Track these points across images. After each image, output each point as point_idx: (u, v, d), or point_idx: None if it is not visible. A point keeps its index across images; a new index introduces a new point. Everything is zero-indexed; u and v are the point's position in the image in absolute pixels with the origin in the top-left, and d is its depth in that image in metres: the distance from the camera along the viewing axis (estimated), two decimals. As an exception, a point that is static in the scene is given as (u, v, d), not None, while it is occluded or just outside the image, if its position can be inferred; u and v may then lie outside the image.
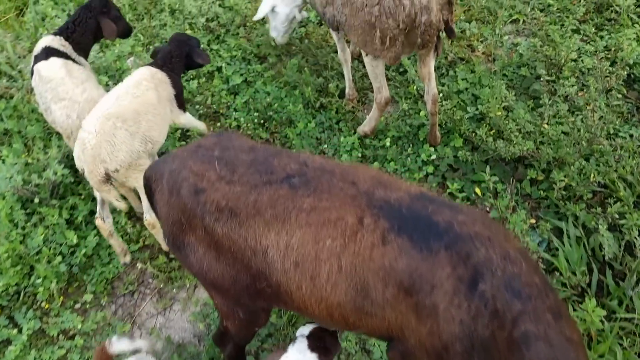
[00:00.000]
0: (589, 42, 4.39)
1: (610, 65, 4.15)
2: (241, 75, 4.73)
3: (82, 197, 3.84)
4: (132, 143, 3.17)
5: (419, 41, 3.16)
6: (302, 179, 1.77)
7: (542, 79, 3.89)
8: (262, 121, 4.27)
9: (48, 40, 3.84)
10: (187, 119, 3.81)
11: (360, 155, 3.95)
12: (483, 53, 4.57)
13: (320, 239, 1.67)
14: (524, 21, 4.77)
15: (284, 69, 4.66)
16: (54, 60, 3.64)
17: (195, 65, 3.86)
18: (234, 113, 4.41)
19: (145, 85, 3.42)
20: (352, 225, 1.64)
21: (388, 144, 3.90)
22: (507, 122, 3.60)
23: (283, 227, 1.75)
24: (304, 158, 1.88)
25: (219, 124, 4.37)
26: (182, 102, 3.74)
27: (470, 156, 3.67)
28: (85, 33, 3.95)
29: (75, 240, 3.58)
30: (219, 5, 5.53)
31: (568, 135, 3.49)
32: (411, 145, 3.99)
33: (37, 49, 3.81)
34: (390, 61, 3.32)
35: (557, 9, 4.78)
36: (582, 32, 4.56)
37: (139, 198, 3.48)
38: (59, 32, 3.92)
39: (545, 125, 3.62)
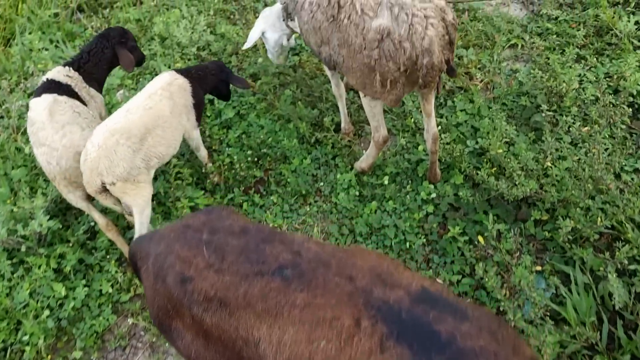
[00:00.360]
0: (590, 69, 4.27)
1: (613, 94, 4.04)
2: (233, 108, 4.60)
3: (71, 244, 3.71)
4: (132, 160, 3.21)
5: (420, 82, 3.04)
6: (295, 270, 1.64)
7: (543, 111, 3.77)
8: (255, 159, 4.14)
9: (54, 72, 3.74)
10: (198, 137, 3.82)
11: (357, 193, 3.82)
12: (481, 81, 4.45)
13: (315, 339, 1.54)
14: (522, 46, 4.65)
15: (277, 102, 4.54)
16: (43, 99, 3.50)
17: (224, 92, 4.02)
18: (227, 149, 4.28)
19: (160, 94, 3.45)
20: (349, 327, 1.51)
21: (386, 182, 3.78)
22: (508, 160, 3.47)
23: (275, 321, 1.62)
24: (298, 246, 1.75)
25: (212, 161, 4.24)
26: (200, 115, 3.77)
27: (472, 196, 3.54)
28: (99, 63, 3.86)
29: (63, 293, 3.45)
30: (210, 33, 5.41)
31: (572, 173, 3.36)
32: (410, 181, 3.87)
33: (40, 81, 3.72)
34: (391, 103, 3.20)
35: (556, 33, 4.67)
36: (582, 57, 4.45)
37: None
38: (70, 63, 3.83)
39: (548, 163, 3.50)
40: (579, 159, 3.47)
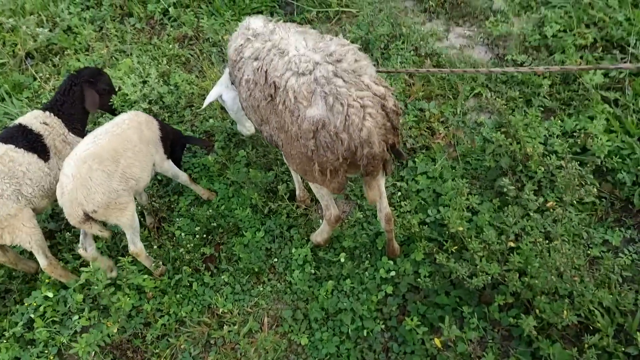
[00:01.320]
0: (556, 121, 4.05)
1: (580, 152, 3.84)
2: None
3: (5, 338, 3.43)
4: (109, 184, 3.19)
5: (362, 170, 2.81)
6: None
7: (506, 178, 3.55)
8: (204, 234, 3.88)
9: (29, 117, 3.62)
10: (171, 166, 3.86)
11: (313, 272, 3.58)
12: (444, 136, 4.22)
13: None
14: (487, 97, 4.44)
15: (230, 165, 4.29)
16: None
17: (178, 156, 4.10)
18: (177, 219, 4.02)
19: (127, 124, 3.48)
20: None
21: (343, 259, 3.53)
22: (469, 239, 3.25)
23: None
24: None
25: (160, 234, 3.99)
26: (167, 148, 3.79)
27: (432, 277, 3.32)
28: (74, 103, 3.75)
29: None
30: (164, 82, 5.14)
31: (536, 255, 3.15)
32: (369, 256, 3.63)
33: (14, 122, 3.62)
34: (334, 191, 2.96)
35: (522, 81, 4.45)
36: (549, 109, 4.24)
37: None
38: (49, 107, 3.71)
39: (512, 244, 3.28)
40: (545, 235, 3.25)
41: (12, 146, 3.37)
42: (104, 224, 3.44)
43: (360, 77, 2.72)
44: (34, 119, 3.60)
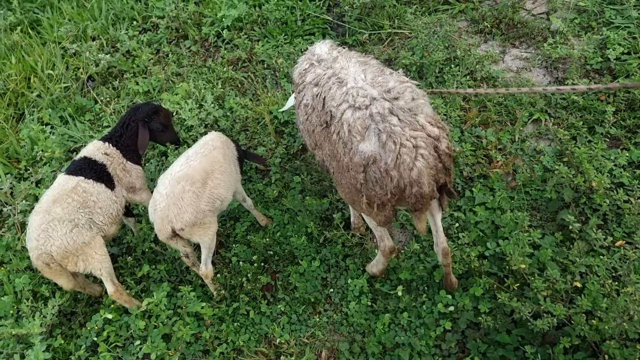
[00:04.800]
0: (622, 150, 3.90)
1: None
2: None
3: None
4: (198, 204, 3.35)
5: (410, 207, 2.82)
6: None
7: (570, 212, 3.45)
8: (262, 263, 3.93)
9: (91, 148, 3.80)
10: (241, 188, 3.98)
11: (369, 303, 3.57)
12: (502, 165, 4.13)
13: None
14: (545, 121, 4.32)
15: (286, 192, 4.33)
16: (65, 180, 3.55)
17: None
18: (233, 246, 4.09)
19: (212, 145, 3.67)
20: None
21: (400, 293, 3.50)
22: (532, 278, 3.17)
23: None
24: None
25: (217, 258, 4.06)
26: (242, 168, 3.99)
27: (492, 315, 3.25)
28: (131, 137, 3.91)
29: None
30: (219, 106, 5.25)
31: (604, 295, 3.04)
32: (426, 289, 3.59)
33: (79, 154, 3.80)
34: (380, 224, 3.00)
35: (583, 107, 4.32)
36: (614, 137, 4.09)
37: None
38: (108, 138, 3.88)
39: (578, 284, 3.18)
40: (612, 275, 3.14)
41: (82, 178, 3.54)
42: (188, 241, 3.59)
43: (416, 117, 2.73)
44: (96, 150, 3.77)
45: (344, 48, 3.42)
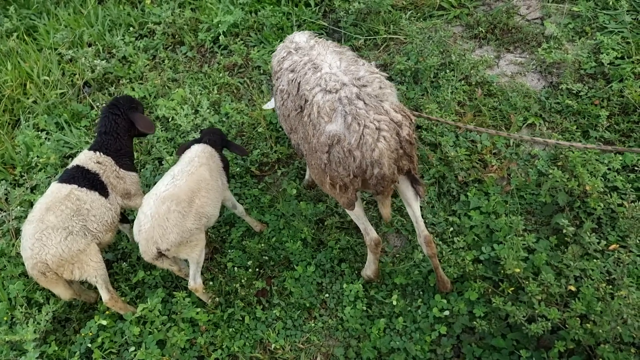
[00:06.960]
0: (615, 155, 3.91)
1: (642, 188, 3.70)
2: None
3: (66, 370, 3.55)
4: (183, 224, 3.29)
5: (372, 189, 2.97)
6: None
7: (564, 212, 3.45)
8: (256, 268, 3.92)
9: (83, 158, 3.74)
10: (230, 195, 3.94)
11: (365, 308, 3.56)
12: (497, 169, 4.14)
13: None
14: (540, 126, 4.33)
15: (281, 196, 4.33)
16: (58, 187, 3.52)
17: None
18: (229, 251, 4.08)
19: (198, 161, 3.59)
20: None
21: (395, 302, 3.49)
22: (527, 282, 3.17)
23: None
24: None
25: (212, 264, 4.06)
26: (228, 176, 3.93)
27: (487, 323, 3.23)
28: (119, 136, 3.81)
29: None
30: (215, 112, 5.26)
31: (598, 299, 3.04)
32: (421, 293, 3.59)
33: (72, 163, 3.75)
34: (345, 206, 3.12)
35: (577, 111, 4.33)
36: (607, 141, 4.10)
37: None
38: (97, 147, 3.78)
39: (572, 288, 3.18)
40: (606, 278, 3.14)
41: (75, 186, 3.52)
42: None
43: (381, 103, 2.89)
44: (88, 159, 3.71)
45: (321, 38, 3.51)
